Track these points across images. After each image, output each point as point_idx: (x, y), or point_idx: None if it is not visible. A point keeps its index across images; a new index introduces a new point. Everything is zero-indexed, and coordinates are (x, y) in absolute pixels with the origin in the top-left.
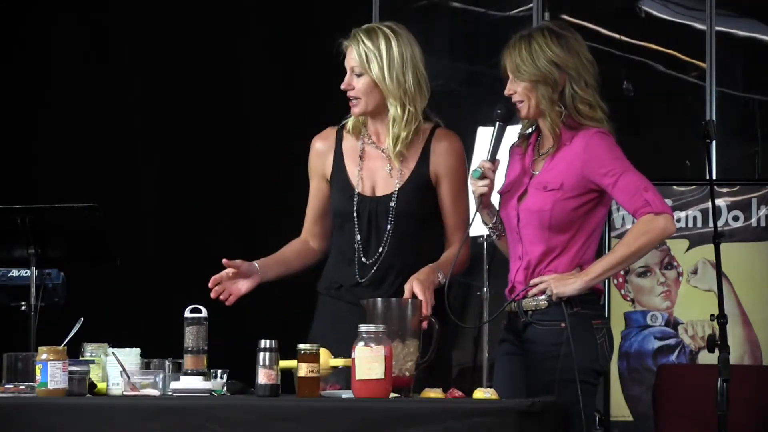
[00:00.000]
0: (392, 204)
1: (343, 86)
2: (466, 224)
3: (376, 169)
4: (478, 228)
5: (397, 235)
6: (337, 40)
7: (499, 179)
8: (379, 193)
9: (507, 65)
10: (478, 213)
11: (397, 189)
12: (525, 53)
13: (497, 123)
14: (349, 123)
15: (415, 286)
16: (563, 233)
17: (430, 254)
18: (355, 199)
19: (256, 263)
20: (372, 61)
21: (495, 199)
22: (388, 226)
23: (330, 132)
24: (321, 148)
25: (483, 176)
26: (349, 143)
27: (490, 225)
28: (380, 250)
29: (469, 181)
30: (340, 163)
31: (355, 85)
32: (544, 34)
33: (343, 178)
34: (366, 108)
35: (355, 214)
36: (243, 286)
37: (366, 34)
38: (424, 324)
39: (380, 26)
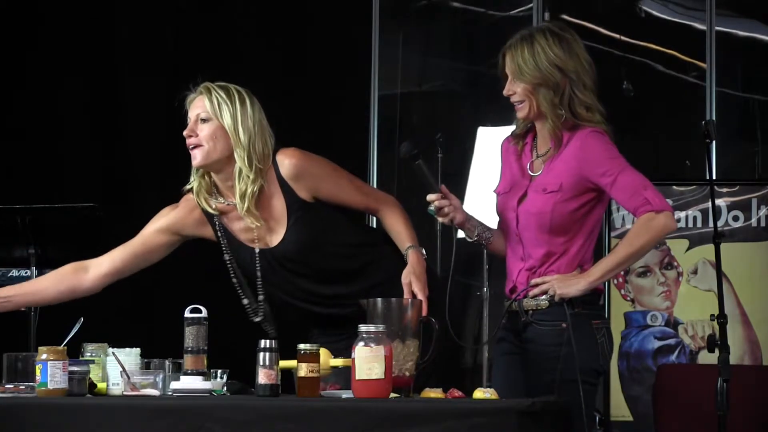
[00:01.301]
0: (291, 246)
1: (186, 132)
2: (373, 192)
3: (253, 226)
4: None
5: (312, 263)
6: (182, 96)
7: (492, 178)
8: (274, 242)
9: (507, 66)
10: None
11: (285, 232)
12: (527, 54)
13: (415, 163)
14: (196, 194)
15: (414, 285)
16: (563, 235)
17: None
18: (257, 257)
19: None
20: (224, 109)
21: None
22: (300, 266)
23: (189, 200)
24: (183, 213)
25: (439, 208)
26: (211, 208)
27: (474, 238)
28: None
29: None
30: (224, 230)
31: (199, 132)
32: (545, 35)
33: (235, 243)
34: (209, 157)
35: (270, 269)
36: None
37: (219, 87)
38: (425, 309)
39: (232, 85)
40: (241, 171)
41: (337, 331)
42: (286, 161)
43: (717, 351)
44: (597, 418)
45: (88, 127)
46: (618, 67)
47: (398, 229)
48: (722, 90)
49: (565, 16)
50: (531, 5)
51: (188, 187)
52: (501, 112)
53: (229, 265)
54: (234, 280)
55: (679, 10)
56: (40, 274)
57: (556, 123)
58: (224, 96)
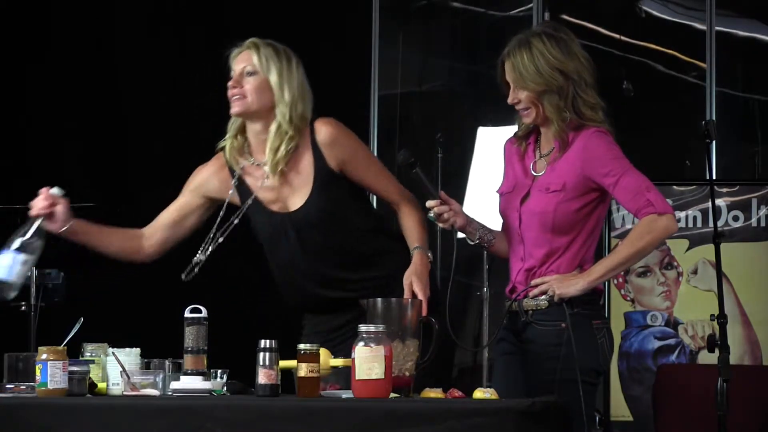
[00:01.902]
0: (311, 211)
1: (231, 83)
2: (399, 186)
3: (277, 185)
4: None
5: (328, 236)
6: (228, 52)
7: (492, 178)
8: (294, 206)
9: (508, 75)
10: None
11: (308, 197)
12: (527, 61)
13: (413, 171)
14: (227, 148)
15: (414, 285)
16: (565, 235)
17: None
18: (274, 220)
19: (74, 220)
20: (272, 65)
21: (478, 209)
22: (316, 234)
23: (219, 158)
24: (211, 173)
25: (438, 214)
26: (238, 167)
27: (476, 241)
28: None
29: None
30: (246, 189)
31: (245, 84)
32: (542, 39)
33: (256, 204)
34: (249, 107)
35: (284, 235)
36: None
37: (266, 44)
38: (425, 309)
39: (279, 44)
40: (280, 126)
41: (326, 322)
42: (324, 128)
43: (717, 351)
44: (597, 418)
45: (89, 127)
46: (618, 67)
47: (411, 227)
48: (722, 90)
49: (565, 16)
50: (531, 5)
51: (221, 144)
52: (501, 112)
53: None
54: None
55: (679, 10)
56: (40, 274)
57: (562, 126)
58: (272, 52)
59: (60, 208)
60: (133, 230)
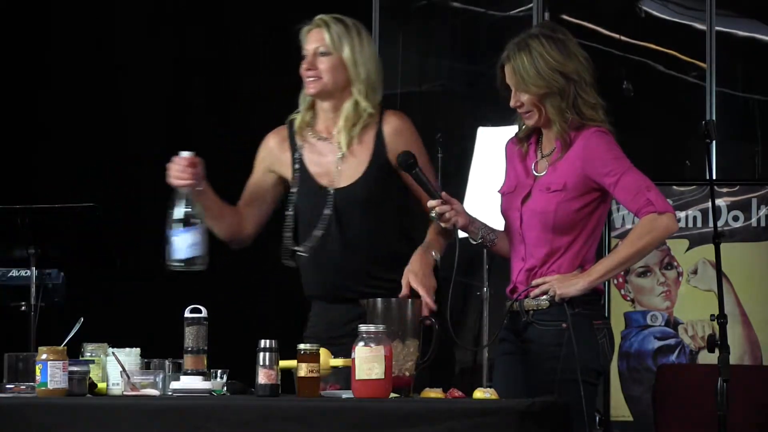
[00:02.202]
0: (358, 192)
1: (305, 66)
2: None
3: (332, 162)
4: None
5: (367, 222)
6: (297, 27)
7: (492, 178)
8: (343, 183)
9: (508, 78)
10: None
11: (359, 177)
12: (527, 64)
13: (412, 172)
14: (297, 121)
15: (411, 281)
16: (566, 234)
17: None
18: (325, 194)
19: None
20: (344, 43)
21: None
22: (356, 215)
23: (283, 129)
24: (275, 143)
25: (440, 214)
26: (300, 139)
27: (478, 240)
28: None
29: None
30: (300, 160)
31: (319, 65)
32: (540, 41)
33: (305, 174)
34: (325, 87)
35: (326, 209)
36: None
37: (336, 20)
38: (426, 309)
39: (348, 18)
40: (357, 104)
41: (335, 314)
42: (394, 118)
43: (717, 351)
44: (597, 418)
45: (89, 127)
46: (618, 67)
47: (431, 232)
48: (722, 90)
49: (565, 16)
50: (531, 5)
51: (291, 117)
52: (501, 112)
53: (290, 198)
54: (289, 212)
55: (679, 10)
56: (40, 274)
57: (564, 127)
58: (343, 29)
59: (199, 168)
60: (236, 207)
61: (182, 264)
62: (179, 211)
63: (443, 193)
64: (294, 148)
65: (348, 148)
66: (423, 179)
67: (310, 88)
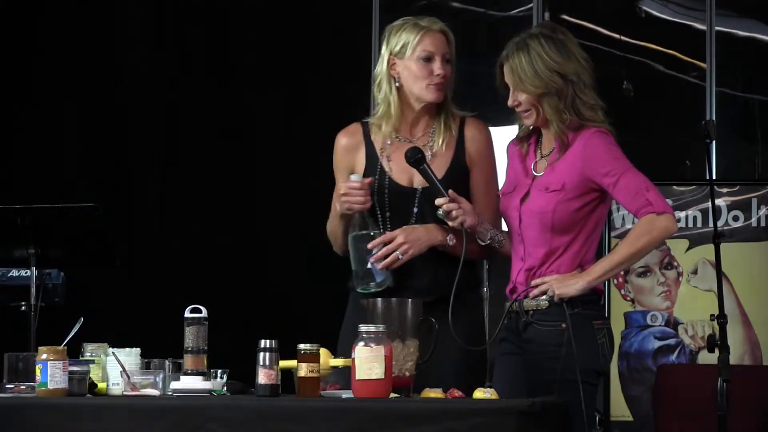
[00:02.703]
0: (440, 193)
1: (438, 70)
2: (495, 210)
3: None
4: None
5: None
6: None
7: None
8: (418, 184)
9: (507, 77)
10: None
11: (441, 178)
12: (525, 64)
13: (420, 167)
14: (378, 122)
15: (399, 235)
16: (565, 234)
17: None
18: (407, 192)
19: None
20: (454, 53)
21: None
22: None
23: (356, 127)
24: (348, 143)
25: (448, 213)
26: (378, 138)
27: (487, 242)
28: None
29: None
30: (374, 158)
31: (446, 71)
32: (540, 41)
33: (386, 177)
34: (445, 94)
35: (414, 207)
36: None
37: (449, 29)
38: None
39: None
40: (449, 108)
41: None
42: (474, 122)
43: (717, 351)
44: (597, 418)
45: (88, 128)
46: (618, 67)
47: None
48: (722, 90)
49: (565, 16)
50: (531, 5)
51: (373, 120)
52: (501, 112)
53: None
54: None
55: (679, 10)
56: (40, 274)
57: (561, 127)
58: (452, 38)
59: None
60: None
61: (380, 286)
62: (365, 235)
63: (450, 191)
64: (371, 148)
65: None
66: (430, 175)
67: (436, 92)
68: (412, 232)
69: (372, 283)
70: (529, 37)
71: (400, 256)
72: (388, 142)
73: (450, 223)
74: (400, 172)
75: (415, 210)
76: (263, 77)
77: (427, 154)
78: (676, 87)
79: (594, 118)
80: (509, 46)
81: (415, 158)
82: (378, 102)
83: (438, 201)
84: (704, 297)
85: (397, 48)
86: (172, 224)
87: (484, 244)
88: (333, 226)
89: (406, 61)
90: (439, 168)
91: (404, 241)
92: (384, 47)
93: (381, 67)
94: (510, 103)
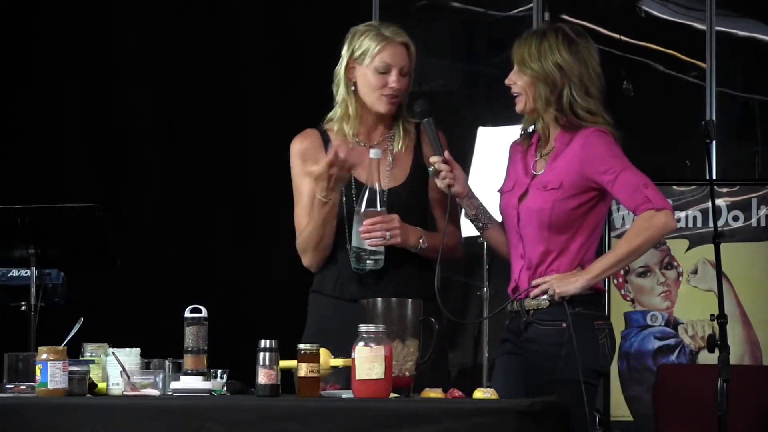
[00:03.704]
0: (405, 194)
1: (394, 83)
2: (456, 211)
3: (373, 165)
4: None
5: (408, 221)
6: (354, 33)
7: (492, 178)
8: (388, 186)
9: (514, 55)
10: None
11: (404, 180)
12: (534, 49)
13: (424, 120)
14: (338, 127)
15: (396, 218)
16: (563, 233)
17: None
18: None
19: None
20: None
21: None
22: (405, 213)
23: (313, 132)
24: (305, 148)
25: (437, 172)
26: (337, 143)
27: (472, 216)
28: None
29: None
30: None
31: (401, 84)
32: (557, 36)
33: (353, 180)
34: (396, 106)
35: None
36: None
37: (410, 41)
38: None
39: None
40: (405, 117)
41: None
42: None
43: (717, 351)
44: (597, 418)
45: (88, 128)
46: (618, 67)
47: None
48: (722, 90)
49: (565, 16)
50: (531, 5)
51: (334, 126)
52: (501, 112)
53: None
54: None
55: (679, 10)
56: (40, 274)
57: (547, 122)
58: (414, 51)
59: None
60: None
61: (377, 264)
62: (373, 211)
63: (446, 153)
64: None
65: (392, 153)
66: (430, 131)
67: (389, 105)
68: (403, 223)
69: (370, 261)
70: (549, 29)
71: (388, 237)
72: (350, 146)
73: (438, 183)
74: (364, 174)
75: (384, 209)
76: (263, 77)
77: (388, 158)
78: (676, 87)
79: (593, 120)
80: (530, 30)
81: (425, 110)
82: (336, 102)
83: (432, 158)
84: (704, 297)
85: (357, 53)
86: (172, 224)
87: (468, 218)
88: (312, 228)
89: (363, 69)
90: (401, 171)
91: (399, 226)
92: (345, 48)
93: (340, 68)
94: (507, 80)
